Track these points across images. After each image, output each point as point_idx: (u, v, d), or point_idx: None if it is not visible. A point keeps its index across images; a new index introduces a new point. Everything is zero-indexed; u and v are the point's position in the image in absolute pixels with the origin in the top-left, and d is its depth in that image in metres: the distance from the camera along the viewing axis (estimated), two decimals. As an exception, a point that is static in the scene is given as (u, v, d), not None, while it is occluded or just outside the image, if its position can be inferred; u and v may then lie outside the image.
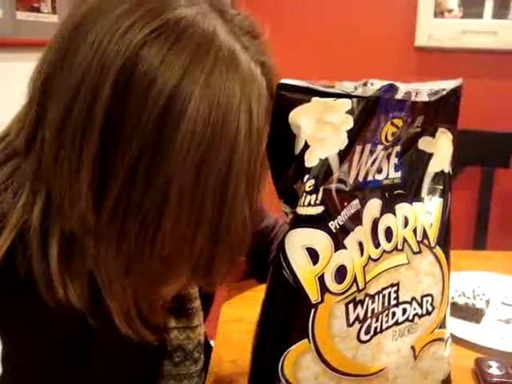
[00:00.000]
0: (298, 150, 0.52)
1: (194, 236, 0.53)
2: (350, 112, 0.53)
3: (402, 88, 0.55)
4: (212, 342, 0.87)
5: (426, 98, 0.58)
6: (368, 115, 0.54)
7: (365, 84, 0.54)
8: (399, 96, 0.55)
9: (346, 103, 0.53)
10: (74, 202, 0.52)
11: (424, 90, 0.58)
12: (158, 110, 0.49)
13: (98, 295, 0.57)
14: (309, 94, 0.52)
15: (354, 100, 0.53)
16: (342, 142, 0.53)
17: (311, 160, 0.52)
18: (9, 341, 0.67)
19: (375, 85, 0.54)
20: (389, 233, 0.58)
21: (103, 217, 0.52)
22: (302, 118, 0.52)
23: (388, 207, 0.58)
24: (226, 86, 0.51)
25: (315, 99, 0.52)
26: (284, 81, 0.52)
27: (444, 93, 0.60)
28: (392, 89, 0.55)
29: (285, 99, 0.52)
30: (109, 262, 0.54)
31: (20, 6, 1.32)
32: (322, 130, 0.52)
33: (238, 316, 0.94)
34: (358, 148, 0.55)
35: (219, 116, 0.50)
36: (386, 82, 0.54)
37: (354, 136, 0.53)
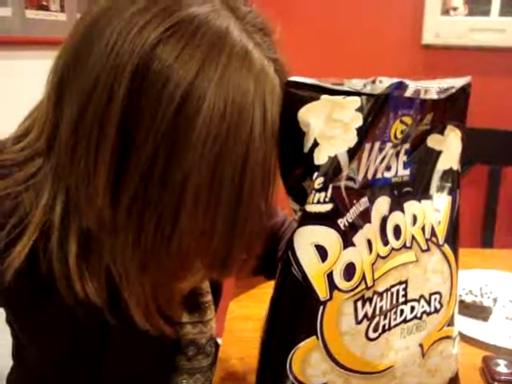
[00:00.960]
0: (307, 148, 0.52)
1: (211, 231, 0.54)
2: (360, 110, 0.53)
3: (412, 86, 0.55)
4: (219, 340, 0.87)
5: (435, 96, 0.58)
6: (377, 113, 0.54)
7: (373, 82, 0.54)
8: (408, 94, 0.55)
9: (356, 101, 0.53)
10: (91, 200, 0.53)
11: (433, 88, 0.58)
12: (173, 108, 0.49)
13: (115, 291, 0.58)
14: (318, 91, 0.52)
15: (364, 97, 0.53)
16: (352, 139, 0.53)
17: (320, 158, 0.52)
18: (28, 337, 0.68)
19: (384, 82, 0.54)
20: (397, 230, 0.58)
21: (120, 213, 0.52)
22: (312, 116, 0.52)
23: (397, 205, 0.58)
24: (240, 82, 0.51)
25: (324, 97, 0.52)
26: (293, 78, 0.52)
27: (453, 90, 0.60)
28: (401, 86, 0.55)
29: (294, 97, 0.52)
30: (126, 259, 0.55)
31: (29, 4, 1.32)
32: (331, 127, 0.52)
33: (245, 313, 0.94)
34: (368, 146, 0.55)
35: (234, 112, 0.51)
36: (395, 80, 0.54)
37: (364, 134, 0.53)
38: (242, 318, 0.93)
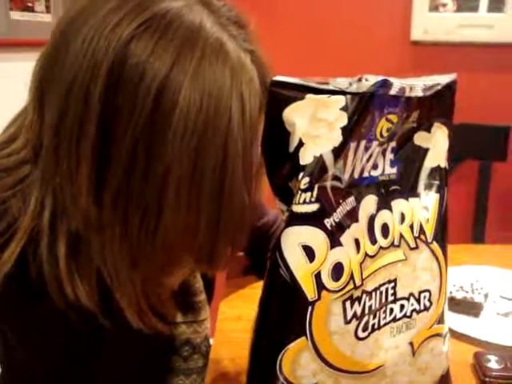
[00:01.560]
0: (292, 148, 0.52)
1: (195, 224, 0.54)
2: (344, 109, 0.53)
3: (396, 83, 0.55)
4: (210, 340, 0.87)
5: (420, 93, 0.58)
6: (362, 111, 0.54)
7: (359, 80, 0.54)
8: (393, 92, 0.55)
9: (340, 100, 0.52)
10: (75, 199, 0.53)
11: (418, 86, 0.58)
12: (150, 102, 0.50)
13: (106, 292, 0.58)
14: (303, 90, 0.52)
15: (348, 96, 0.53)
16: (337, 138, 0.53)
17: (306, 157, 0.52)
18: (18, 341, 0.67)
19: (370, 80, 0.54)
20: (385, 229, 0.58)
21: (105, 210, 0.53)
22: (296, 116, 0.52)
23: (384, 203, 0.58)
24: (215, 75, 0.52)
25: (309, 96, 0.52)
26: (277, 78, 0.52)
27: (439, 87, 0.60)
28: (386, 84, 0.54)
29: (278, 96, 0.52)
30: (114, 256, 0.55)
31: (14, 5, 1.31)
32: (316, 127, 0.52)
33: (236, 314, 0.94)
34: (353, 145, 0.54)
35: (211, 104, 0.51)
36: (380, 78, 0.54)
37: (349, 133, 0.53)
38: (233, 319, 0.93)
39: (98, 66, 0.50)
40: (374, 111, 0.55)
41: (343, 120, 0.53)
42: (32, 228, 0.56)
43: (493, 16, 1.85)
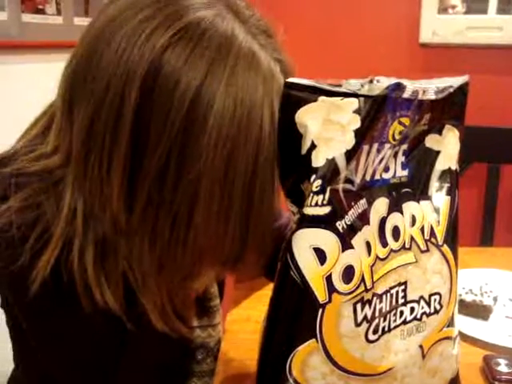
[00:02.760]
0: (304, 150, 0.52)
1: (225, 229, 0.54)
2: (357, 111, 0.53)
3: (410, 86, 0.55)
4: (221, 342, 0.87)
5: (433, 96, 0.58)
6: (375, 114, 0.54)
7: (371, 81, 0.54)
8: (406, 95, 0.55)
9: (353, 102, 0.52)
10: (105, 205, 0.54)
11: (431, 88, 0.58)
12: (184, 110, 0.50)
13: (132, 296, 0.58)
14: (316, 93, 0.52)
15: (361, 99, 0.53)
16: (349, 141, 0.53)
17: (318, 160, 0.52)
18: (41, 344, 0.67)
19: (381, 82, 0.54)
20: (396, 232, 0.58)
21: (135, 217, 0.53)
22: (309, 118, 0.52)
23: (395, 206, 0.58)
24: (248, 83, 0.52)
25: (322, 98, 0.52)
26: (291, 79, 0.52)
27: (451, 90, 0.60)
28: (399, 87, 0.54)
29: (292, 98, 0.52)
30: (142, 262, 0.55)
31: (25, 8, 1.32)
32: (328, 129, 0.52)
33: (246, 315, 0.94)
34: (366, 147, 0.54)
35: (244, 112, 0.52)
36: (392, 80, 0.54)
37: (362, 135, 0.53)
38: (242, 320, 0.93)
39: (132, 75, 0.51)
40: (387, 114, 0.55)
41: (356, 123, 0.53)
42: (66, 234, 0.56)
43: (502, 18, 1.84)
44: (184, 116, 0.50)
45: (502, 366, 0.78)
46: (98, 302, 0.57)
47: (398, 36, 1.91)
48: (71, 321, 0.62)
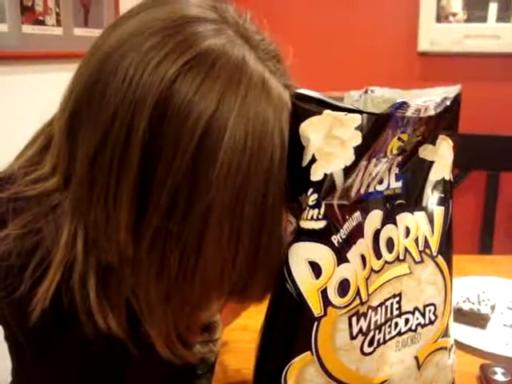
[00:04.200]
0: (305, 163, 0.53)
1: (233, 260, 0.53)
2: (360, 128, 0.53)
3: (413, 105, 0.55)
4: (217, 351, 0.87)
5: (432, 113, 0.58)
6: (378, 132, 0.54)
7: (366, 91, 0.55)
8: (409, 113, 0.55)
9: (356, 118, 0.53)
10: (111, 235, 0.52)
11: (431, 105, 0.58)
12: (195, 142, 0.49)
13: (135, 320, 0.57)
14: (322, 106, 0.52)
15: (365, 116, 0.53)
16: (349, 157, 0.53)
17: (316, 174, 0.52)
18: (42, 365, 0.66)
19: (375, 91, 0.54)
20: (390, 243, 0.58)
21: (142, 248, 0.52)
22: (312, 131, 0.52)
23: (389, 218, 0.59)
24: (259, 112, 0.51)
25: (326, 112, 0.52)
26: (300, 91, 0.53)
27: (447, 103, 0.60)
28: (403, 106, 0.54)
29: (298, 109, 0.52)
30: (149, 291, 0.54)
31: (25, 19, 1.32)
32: (330, 144, 0.52)
33: (243, 324, 0.94)
34: (364, 163, 0.55)
35: (255, 143, 0.51)
36: (399, 100, 0.54)
37: (362, 152, 0.53)
38: (239, 329, 0.92)
39: (140, 105, 0.49)
40: (389, 131, 0.55)
41: (357, 139, 0.53)
42: (66, 260, 0.55)
43: (499, 26, 1.85)
44: (194, 148, 0.49)
45: (499, 375, 0.77)
46: (101, 328, 0.55)
47: (397, 45, 1.92)
48: (73, 346, 0.61)
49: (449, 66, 1.88)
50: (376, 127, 0.53)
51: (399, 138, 0.57)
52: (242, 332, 0.91)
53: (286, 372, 0.54)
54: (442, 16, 1.87)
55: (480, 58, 1.86)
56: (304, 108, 0.52)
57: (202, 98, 0.49)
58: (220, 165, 0.49)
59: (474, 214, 1.78)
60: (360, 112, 0.53)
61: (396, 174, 0.60)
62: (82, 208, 0.54)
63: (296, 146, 0.53)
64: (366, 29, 1.94)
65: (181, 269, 0.52)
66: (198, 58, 0.50)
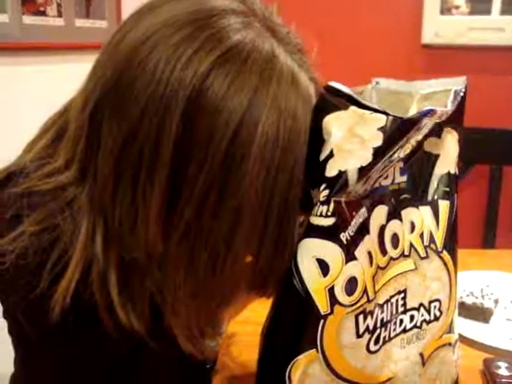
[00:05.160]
0: (322, 157, 0.52)
1: (258, 253, 0.53)
2: (382, 129, 0.52)
3: (438, 112, 0.55)
4: (217, 344, 0.87)
5: (449, 113, 0.58)
6: (400, 136, 0.53)
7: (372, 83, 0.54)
8: (433, 119, 0.55)
9: (380, 119, 0.52)
10: (139, 231, 0.51)
11: (450, 107, 0.57)
12: (228, 137, 0.49)
13: (157, 316, 0.56)
14: (349, 101, 0.52)
15: (390, 118, 0.52)
16: (366, 158, 0.52)
17: (332, 170, 0.52)
18: (52, 362, 0.66)
19: (380, 83, 0.54)
20: (395, 239, 0.58)
21: (172, 243, 0.51)
22: (335, 125, 0.52)
23: (394, 213, 0.58)
24: (290, 106, 0.51)
25: (352, 108, 0.52)
26: (331, 83, 0.52)
27: (459, 98, 0.59)
28: (431, 113, 0.54)
29: (326, 102, 0.52)
30: (175, 288, 0.53)
31: (26, 10, 1.31)
32: (350, 141, 0.52)
33: (244, 317, 0.93)
34: (380, 165, 0.54)
35: (286, 136, 0.51)
36: (426, 107, 0.53)
37: (380, 154, 0.53)
38: (240, 322, 0.92)
39: (173, 99, 0.48)
40: (409, 136, 0.54)
41: (378, 140, 0.52)
42: (85, 257, 0.53)
43: (504, 19, 1.83)
44: (227, 143, 0.49)
45: (503, 369, 0.77)
46: (124, 324, 0.54)
47: (400, 37, 1.90)
48: (90, 343, 0.59)
49: (452, 59, 1.87)
50: (399, 131, 0.53)
51: (416, 140, 0.56)
52: (243, 325, 0.91)
53: (291, 369, 0.54)
54: (445, 9, 1.86)
55: (484, 51, 1.85)
56: (331, 102, 0.52)
57: (235, 93, 0.49)
58: (253, 159, 0.49)
59: (476, 209, 1.77)
60: (386, 114, 0.52)
61: (401, 167, 0.59)
62: (104, 203, 0.53)
63: (316, 138, 0.52)
64: (370, 20, 1.92)
65: (210, 264, 0.52)
66: (230, 53, 0.50)
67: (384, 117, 0.52)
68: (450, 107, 0.58)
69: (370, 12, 1.92)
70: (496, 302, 0.97)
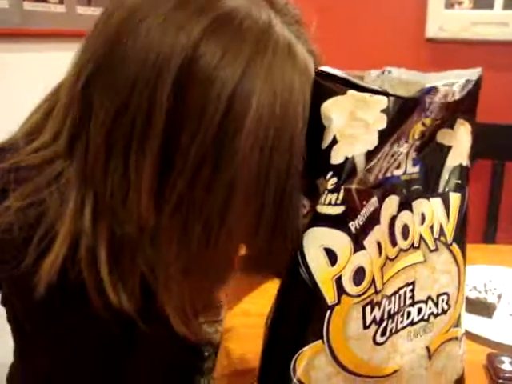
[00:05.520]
0: (325, 144, 0.51)
1: (256, 230, 0.52)
2: (385, 111, 0.51)
3: (442, 90, 0.53)
4: (219, 336, 0.87)
5: (457, 97, 0.56)
6: (404, 117, 0.52)
7: (383, 72, 0.53)
8: (437, 98, 0.53)
9: (382, 101, 0.51)
10: (131, 203, 0.51)
11: (457, 90, 0.56)
12: (222, 108, 0.47)
13: (148, 297, 0.55)
14: (345, 85, 0.50)
15: (392, 99, 0.51)
16: (372, 142, 0.51)
17: (337, 157, 0.51)
18: (45, 344, 0.65)
19: (392, 72, 0.53)
20: (405, 230, 0.57)
21: (164, 216, 0.50)
22: (335, 111, 0.50)
23: (405, 204, 0.57)
24: (286, 78, 0.50)
25: (351, 92, 0.50)
26: (324, 68, 0.50)
27: (470, 86, 0.58)
28: (433, 91, 0.53)
29: (321, 88, 0.50)
30: (168, 263, 0.53)
31: (27, -4, 1.30)
32: (352, 126, 0.50)
33: (245, 309, 0.93)
34: (386, 148, 0.53)
35: (281, 108, 0.49)
36: (427, 85, 0.52)
37: (386, 137, 0.51)
38: (242, 314, 0.92)
39: (164, 68, 0.47)
40: (414, 116, 0.53)
41: (382, 123, 0.51)
42: (72, 232, 0.53)
43: (508, 13, 1.83)
44: (221, 114, 0.47)
45: (506, 364, 0.77)
46: (113, 304, 0.53)
47: (405, 30, 1.90)
48: (79, 322, 0.59)
49: (456, 53, 1.86)
50: (403, 112, 0.51)
51: (423, 123, 0.55)
52: (244, 317, 0.91)
53: (296, 361, 0.53)
54: (448, 4, 1.85)
55: (488, 46, 1.84)
56: (327, 86, 0.50)
57: (229, 62, 0.47)
58: (247, 130, 0.48)
59: (478, 204, 1.77)
60: (387, 94, 0.51)
61: (413, 158, 0.58)
62: (95, 175, 0.51)
63: (316, 126, 0.51)
64: (374, 14, 1.92)
65: (203, 238, 0.51)
66: (222, 20, 0.48)
67: (385, 98, 0.51)
68: (457, 91, 0.56)
69: (374, 6, 1.91)
70: (499, 297, 0.97)
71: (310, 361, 0.53)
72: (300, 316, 0.53)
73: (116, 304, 0.53)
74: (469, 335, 0.84)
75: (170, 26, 0.48)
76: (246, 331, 0.86)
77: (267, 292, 0.57)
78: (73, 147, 0.53)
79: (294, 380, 0.53)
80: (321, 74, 0.50)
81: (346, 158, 0.51)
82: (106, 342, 0.61)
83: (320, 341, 0.52)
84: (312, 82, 0.52)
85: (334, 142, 0.50)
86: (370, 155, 0.51)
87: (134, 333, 0.58)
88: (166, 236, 0.51)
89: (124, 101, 0.49)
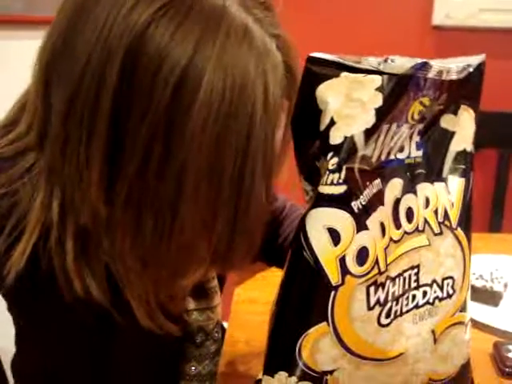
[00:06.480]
0: (323, 126, 0.51)
1: (212, 222, 0.51)
2: (380, 89, 0.51)
3: (435, 66, 0.53)
4: (225, 324, 0.86)
5: (454, 76, 0.56)
6: (398, 93, 0.52)
7: (385, 60, 0.52)
8: (431, 75, 0.53)
9: (376, 80, 0.51)
10: (84, 196, 0.50)
11: (453, 69, 0.56)
12: (169, 92, 0.46)
13: (117, 288, 0.56)
14: (338, 68, 0.50)
15: (385, 77, 0.51)
16: (370, 120, 0.51)
17: (336, 137, 0.50)
18: (31, 333, 0.66)
19: (396, 61, 0.52)
20: (410, 213, 0.57)
21: (116, 208, 0.50)
22: (330, 94, 0.50)
23: (409, 187, 0.57)
24: (239, 61, 0.49)
25: (344, 74, 0.50)
26: (313, 54, 0.50)
27: (470, 69, 0.58)
28: (425, 67, 0.52)
29: (313, 73, 0.50)
30: (125, 256, 0.53)
31: (30, -17, 1.30)
32: (349, 106, 0.50)
33: (251, 297, 0.93)
34: (385, 127, 0.53)
35: (234, 93, 0.48)
36: (419, 60, 0.52)
37: (382, 114, 0.51)
38: (248, 302, 0.92)
39: (112, 52, 0.47)
40: (410, 93, 0.53)
41: (378, 101, 0.51)
42: (42, 222, 0.53)
43: (515, 0, 1.81)
44: (168, 99, 0.46)
45: (513, 353, 0.77)
46: (78, 293, 0.54)
47: (411, 18, 1.88)
48: (54, 312, 0.59)
49: (463, 41, 1.85)
50: (397, 88, 0.51)
51: (421, 102, 0.55)
52: (250, 304, 0.91)
53: (301, 343, 0.53)
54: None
55: (495, 33, 1.83)
56: (320, 71, 0.50)
57: (177, 44, 0.46)
58: (196, 115, 0.47)
59: (484, 193, 1.76)
60: (380, 73, 0.51)
61: (417, 142, 0.58)
62: (56, 166, 0.51)
63: (311, 110, 0.51)
64: (380, 2, 1.90)
65: (157, 230, 0.50)
66: (172, 3, 0.47)
67: (379, 77, 0.51)
68: (454, 75, 0.56)
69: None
70: (505, 285, 0.97)
71: (315, 343, 0.53)
72: (304, 298, 0.53)
73: (80, 292, 0.53)
74: (475, 324, 0.84)
75: (120, 11, 0.47)
76: (251, 318, 0.86)
77: (273, 279, 0.56)
78: (43, 138, 0.53)
79: (300, 363, 0.53)
80: (311, 60, 0.50)
81: (345, 138, 0.50)
82: (85, 331, 0.61)
83: (325, 323, 0.52)
84: (277, 68, 0.51)
85: (332, 123, 0.50)
86: (368, 133, 0.51)
87: (111, 324, 0.58)
88: (120, 228, 0.51)
89: (75, 90, 0.48)
